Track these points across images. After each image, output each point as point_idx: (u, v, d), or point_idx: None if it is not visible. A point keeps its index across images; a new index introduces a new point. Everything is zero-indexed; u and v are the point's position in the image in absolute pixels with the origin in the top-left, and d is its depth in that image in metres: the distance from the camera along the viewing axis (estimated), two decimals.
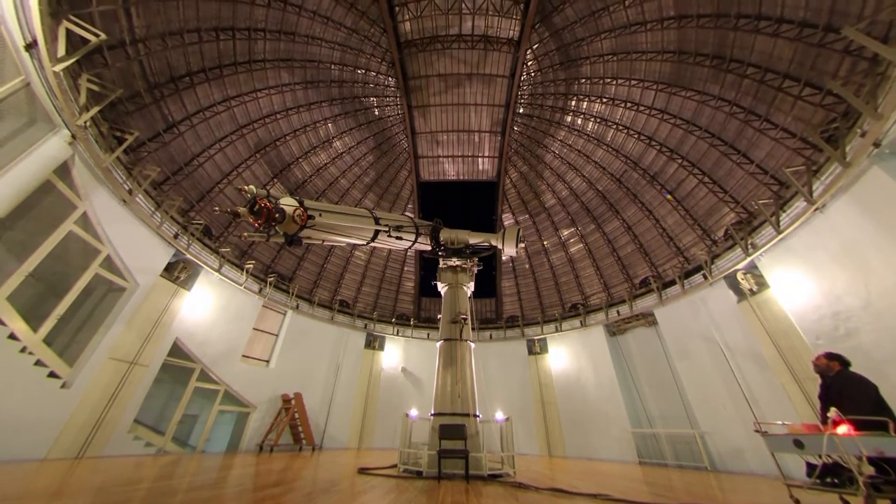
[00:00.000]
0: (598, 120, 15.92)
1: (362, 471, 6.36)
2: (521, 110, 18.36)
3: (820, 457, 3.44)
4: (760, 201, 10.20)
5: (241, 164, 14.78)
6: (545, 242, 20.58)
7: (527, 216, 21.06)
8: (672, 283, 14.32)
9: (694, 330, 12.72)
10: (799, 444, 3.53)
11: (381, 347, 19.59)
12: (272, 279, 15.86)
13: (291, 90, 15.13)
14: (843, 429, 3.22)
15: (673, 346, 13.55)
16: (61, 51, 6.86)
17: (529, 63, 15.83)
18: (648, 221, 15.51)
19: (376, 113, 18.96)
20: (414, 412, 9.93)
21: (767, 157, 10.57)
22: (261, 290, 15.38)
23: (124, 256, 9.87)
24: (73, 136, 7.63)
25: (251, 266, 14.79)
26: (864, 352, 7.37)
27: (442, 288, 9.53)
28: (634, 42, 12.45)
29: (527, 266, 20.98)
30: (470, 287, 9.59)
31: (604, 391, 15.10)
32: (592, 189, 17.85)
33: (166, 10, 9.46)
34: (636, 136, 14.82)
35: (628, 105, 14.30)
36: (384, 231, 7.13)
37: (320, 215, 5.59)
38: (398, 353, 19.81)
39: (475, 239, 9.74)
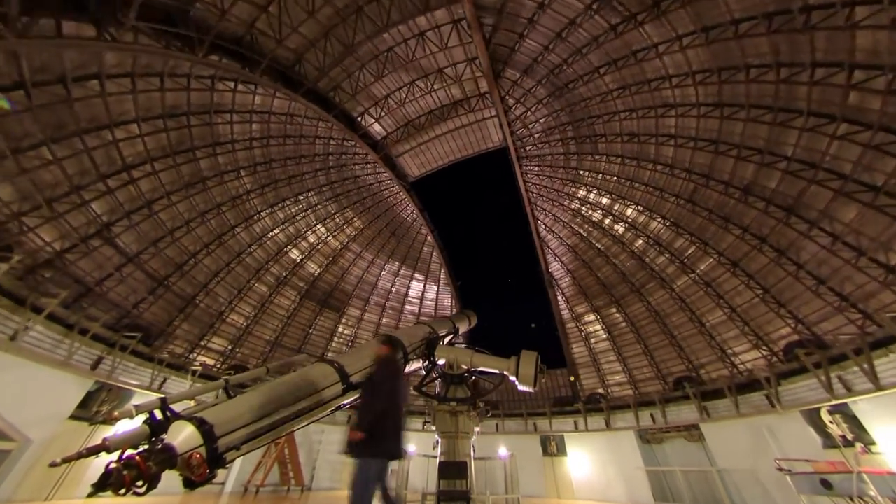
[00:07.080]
0: (615, 196, 14.19)
1: None
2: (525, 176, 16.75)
3: (851, 499, 3.38)
4: (841, 336, 7.97)
5: (202, 250, 12.40)
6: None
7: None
8: (719, 393, 11.81)
9: (760, 466, 10.08)
10: (827, 485, 3.62)
11: None
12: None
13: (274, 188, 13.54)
14: None
15: (732, 480, 10.78)
16: None
17: (537, 134, 14.31)
18: (682, 313, 13.27)
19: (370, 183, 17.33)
20: (412, 448, 8.79)
21: (844, 282, 8.53)
22: (218, 395, 12.47)
23: (6, 413, 7.44)
24: None
25: (199, 368, 12.03)
26: None
27: (438, 436, 7.08)
28: (660, 124, 10.85)
29: None
30: (475, 433, 7.17)
31: None
32: (609, 264, 15.82)
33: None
34: (660, 219, 12.99)
35: (650, 189, 12.55)
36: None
37: (239, 449, 3.08)
38: None
39: (479, 363, 7.47)
